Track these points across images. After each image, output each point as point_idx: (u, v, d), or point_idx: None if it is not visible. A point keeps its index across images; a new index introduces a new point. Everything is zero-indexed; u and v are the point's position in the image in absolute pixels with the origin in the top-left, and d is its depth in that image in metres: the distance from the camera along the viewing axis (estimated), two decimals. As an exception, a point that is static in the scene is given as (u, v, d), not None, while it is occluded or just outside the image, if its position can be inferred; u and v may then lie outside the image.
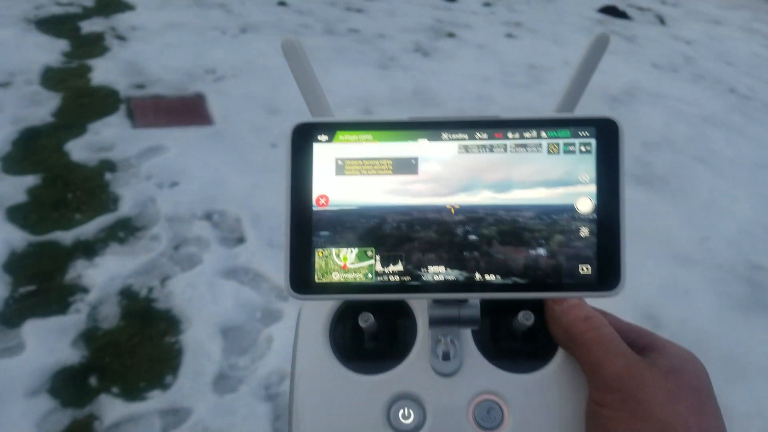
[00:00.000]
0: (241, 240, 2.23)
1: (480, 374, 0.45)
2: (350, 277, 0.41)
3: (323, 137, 0.41)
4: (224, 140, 2.84)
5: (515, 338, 0.48)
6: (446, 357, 0.45)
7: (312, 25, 4.29)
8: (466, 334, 0.47)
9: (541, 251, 0.41)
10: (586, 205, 0.40)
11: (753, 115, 3.81)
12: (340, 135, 0.41)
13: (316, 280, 0.41)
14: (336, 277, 0.41)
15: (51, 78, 3.26)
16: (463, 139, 0.41)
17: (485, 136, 0.41)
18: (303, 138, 0.41)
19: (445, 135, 0.41)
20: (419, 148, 0.41)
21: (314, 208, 0.41)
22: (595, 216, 0.40)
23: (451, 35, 4.47)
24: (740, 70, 4.59)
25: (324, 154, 0.41)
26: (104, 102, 3.08)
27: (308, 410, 0.45)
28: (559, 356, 0.46)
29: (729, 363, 1.92)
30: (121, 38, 3.77)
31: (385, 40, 4.20)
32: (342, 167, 0.41)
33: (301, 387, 0.46)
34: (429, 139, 0.41)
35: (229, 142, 2.83)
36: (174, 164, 2.63)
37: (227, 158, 2.71)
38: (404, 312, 0.49)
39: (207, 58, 3.62)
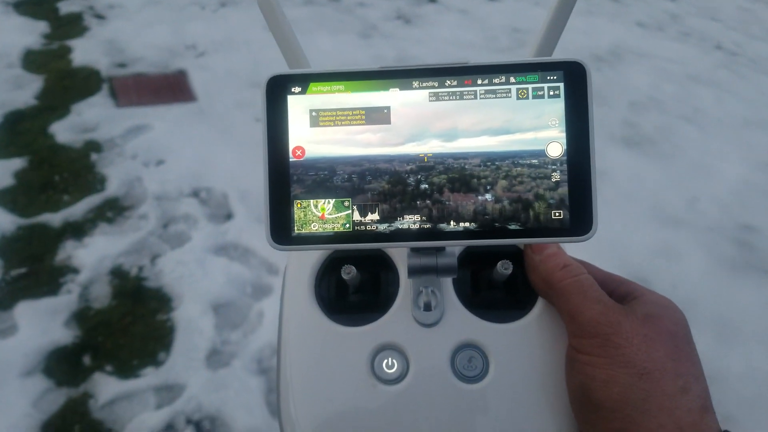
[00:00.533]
0: (229, 216, 2.24)
1: (461, 324, 0.46)
2: (328, 227, 0.42)
3: (297, 89, 0.42)
4: (208, 116, 2.83)
5: (495, 288, 0.49)
6: (428, 308, 0.46)
7: (293, -4, 4.23)
8: (447, 285, 0.48)
9: (513, 197, 0.41)
10: (556, 149, 0.41)
11: (740, 72, 3.80)
12: (313, 86, 0.42)
13: (296, 231, 0.42)
14: (314, 227, 0.42)
15: (32, 61, 3.22)
16: (434, 87, 0.41)
17: (455, 83, 0.41)
18: (277, 90, 0.42)
19: (415, 83, 0.41)
20: (391, 97, 0.41)
21: (291, 160, 0.41)
22: (565, 160, 0.41)
23: (432, 1, 4.42)
24: (726, 25, 4.56)
25: (298, 105, 0.42)
26: (86, 82, 3.05)
27: (295, 362, 0.46)
28: (539, 306, 0.47)
29: (720, 325, 1.95)
30: (99, 17, 3.72)
31: (366, 8, 4.15)
32: (316, 118, 0.42)
33: (288, 340, 0.47)
34: (400, 88, 0.41)
35: (213, 118, 2.82)
36: (159, 142, 2.62)
37: (212, 134, 2.70)
38: (386, 264, 0.50)
39: (187, 33, 3.57)
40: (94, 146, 2.58)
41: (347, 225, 0.41)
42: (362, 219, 0.41)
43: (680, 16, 4.67)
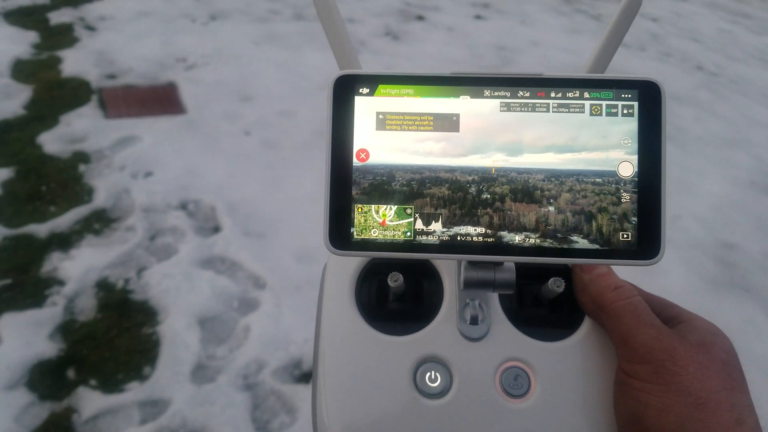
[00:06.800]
0: (216, 229, 2.24)
1: (507, 340, 0.45)
2: (389, 234, 0.40)
3: (364, 90, 0.40)
4: (197, 129, 2.84)
5: (542, 305, 0.48)
6: (474, 321, 0.45)
7: (281, 11, 4.26)
8: (494, 299, 0.46)
9: (581, 216, 0.40)
10: (627, 169, 0.39)
11: (720, 92, 3.88)
12: (382, 88, 0.40)
13: (355, 236, 0.40)
14: (374, 233, 0.40)
15: (21, 70, 3.22)
16: (505, 97, 0.40)
17: (528, 94, 0.40)
18: (344, 90, 0.40)
19: (487, 92, 0.40)
20: (461, 104, 0.40)
21: (354, 163, 0.40)
22: (636, 182, 0.39)
23: (420, 18, 4.47)
24: (706, 46, 4.65)
25: (365, 107, 0.40)
26: (76, 93, 3.05)
27: (333, 369, 0.44)
28: (586, 325, 0.46)
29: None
30: (90, 28, 3.72)
31: (355, 24, 4.19)
32: (383, 121, 0.40)
33: (326, 345, 0.45)
34: (471, 96, 0.40)
35: (202, 131, 2.83)
36: (148, 154, 2.63)
37: (201, 147, 2.71)
38: (430, 273, 0.48)
39: (177, 46, 3.59)
40: (82, 157, 2.58)
41: (408, 233, 0.40)
42: (424, 228, 0.40)
43: (661, 36, 4.76)
